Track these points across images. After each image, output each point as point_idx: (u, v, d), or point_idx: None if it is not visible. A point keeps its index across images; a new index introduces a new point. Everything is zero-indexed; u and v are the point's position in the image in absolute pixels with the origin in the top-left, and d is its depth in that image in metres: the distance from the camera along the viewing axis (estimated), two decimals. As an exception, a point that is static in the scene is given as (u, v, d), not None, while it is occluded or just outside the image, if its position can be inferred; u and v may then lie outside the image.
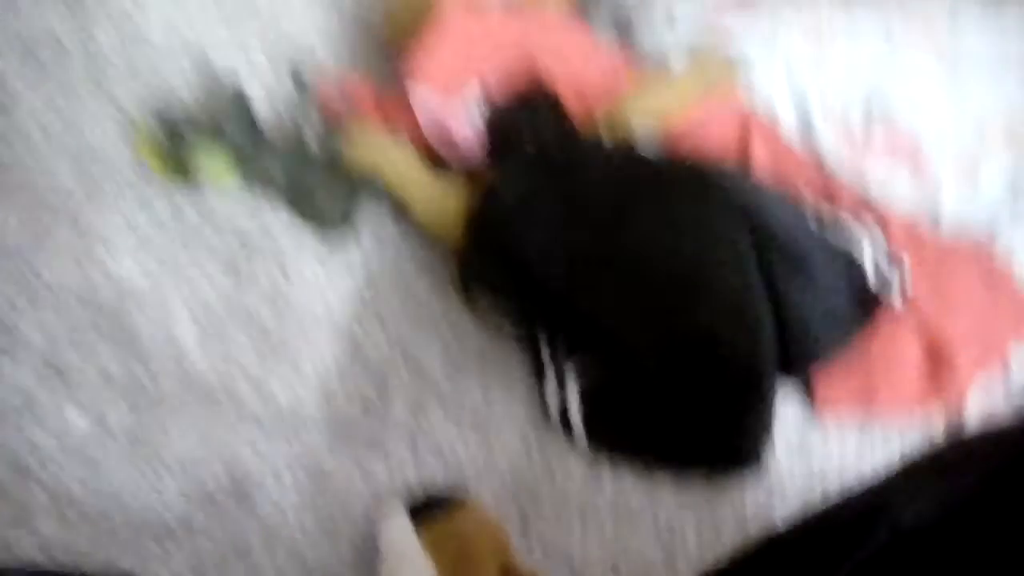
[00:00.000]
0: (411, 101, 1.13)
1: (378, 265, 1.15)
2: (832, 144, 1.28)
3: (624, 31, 1.38)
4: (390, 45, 1.29)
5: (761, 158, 1.20)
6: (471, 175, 1.16)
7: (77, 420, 0.98)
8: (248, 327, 1.07)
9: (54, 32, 1.21)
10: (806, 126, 1.30)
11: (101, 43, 1.22)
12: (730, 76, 1.28)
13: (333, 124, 1.18)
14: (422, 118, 1.14)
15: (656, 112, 1.19)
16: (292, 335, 1.08)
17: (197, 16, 1.29)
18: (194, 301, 1.08)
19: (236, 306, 1.09)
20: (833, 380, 1.08)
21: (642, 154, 1.07)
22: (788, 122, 1.30)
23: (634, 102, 1.18)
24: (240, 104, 1.15)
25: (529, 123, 1.15)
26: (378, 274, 1.15)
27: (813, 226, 1.04)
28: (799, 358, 1.04)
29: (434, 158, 1.18)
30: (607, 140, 1.11)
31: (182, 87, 1.21)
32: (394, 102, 1.19)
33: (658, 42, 1.36)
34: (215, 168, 1.11)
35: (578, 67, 1.19)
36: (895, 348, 1.06)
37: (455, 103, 1.13)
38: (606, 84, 1.21)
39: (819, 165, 1.22)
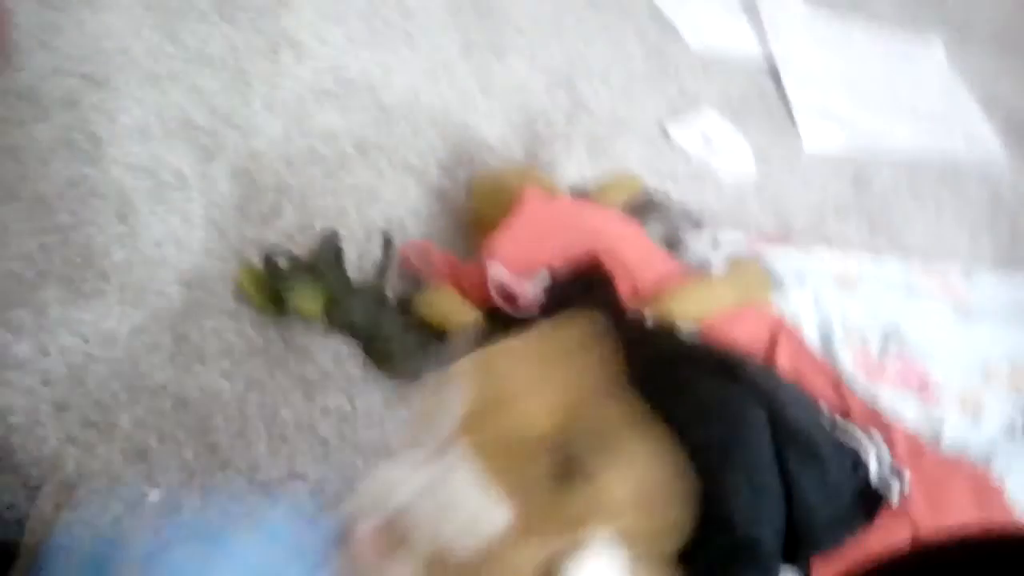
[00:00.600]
0: (487, 274, 1.30)
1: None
2: (849, 365, 1.42)
3: (673, 245, 1.57)
4: (473, 226, 1.48)
5: (784, 359, 1.33)
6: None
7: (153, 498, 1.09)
8: (312, 444, 1.19)
9: (179, 168, 1.41)
10: (827, 344, 1.44)
11: (221, 190, 1.42)
12: (765, 287, 1.44)
13: (412, 281, 1.34)
14: (492, 286, 1.30)
15: (696, 311, 1.34)
16: (354, 456, 1.20)
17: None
18: (269, 416, 1.20)
19: (304, 424, 1.21)
20: (828, 568, 1.15)
21: (680, 336, 1.20)
22: (811, 339, 1.44)
23: (678, 299, 1.33)
24: (334, 251, 1.33)
25: (582, 295, 1.30)
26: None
27: (826, 423, 1.15)
28: (803, 545, 1.08)
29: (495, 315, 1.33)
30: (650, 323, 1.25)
31: (287, 236, 1.40)
32: (468, 272, 1.36)
33: (702, 258, 1.54)
34: (306, 305, 1.27)
35: (632, 258, 1.36)
36: (888, 541, 1.13)
37: (524, 281, 1.30)
38: (655, 278, 1.37)
39: (836, 378, 1.35)
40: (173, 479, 1.11)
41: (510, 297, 1.31)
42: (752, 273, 1.44)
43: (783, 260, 1.55)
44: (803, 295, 1.51)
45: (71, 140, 1.39)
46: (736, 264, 1.46)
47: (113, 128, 1.43)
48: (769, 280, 1.45)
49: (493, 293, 1.31)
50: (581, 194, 1.53)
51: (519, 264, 1.32)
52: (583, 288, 1.33)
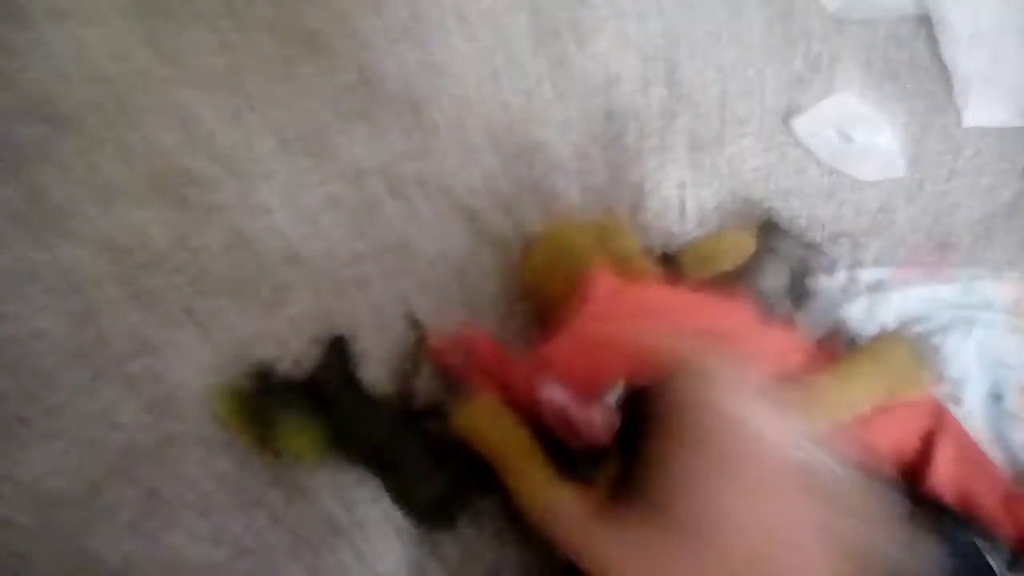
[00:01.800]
0: (539, 395, 0.96)
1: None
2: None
3: (799, 297, 1.19)
4: (529, 297, 1.13)
5: (944, 469, 1.01)
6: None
7: None
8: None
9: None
10: (999, 420, 1.13)
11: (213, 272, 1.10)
12: (918, 374, 1.07)
13: (445, 381, 1.04)
14: (546, 412, 0.97)
15: (828, 416, 0.98)
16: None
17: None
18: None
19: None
20: None
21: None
22: (976, 410, 1.14)
23: (813, 398, 0.99)
24: (341, 361, 1.01)
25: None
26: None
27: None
28: None
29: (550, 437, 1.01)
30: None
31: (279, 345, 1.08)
32: (520, 375, 1.02)
33: (835, 309, 1.19)
34: (298, 445, 0.96)
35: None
36: None
37: (589, 406, 0.96)
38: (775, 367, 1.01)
39: (1007, 490, 1.03)
40: None
41: (570, 425, 0.98)
42: (901, 357, 1.06)
43: (939, 302, 1.22)
44: (965, 348, 1.18)
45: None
46: (880, 345, 1.07)
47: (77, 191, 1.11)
48: (923, 364, 1.07)
49: (548, 420, 0.98)
50: (672, 263, 1.15)
51: (583, 376, 0.98)
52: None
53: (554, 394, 0.96)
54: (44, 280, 1.04)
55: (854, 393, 1.02)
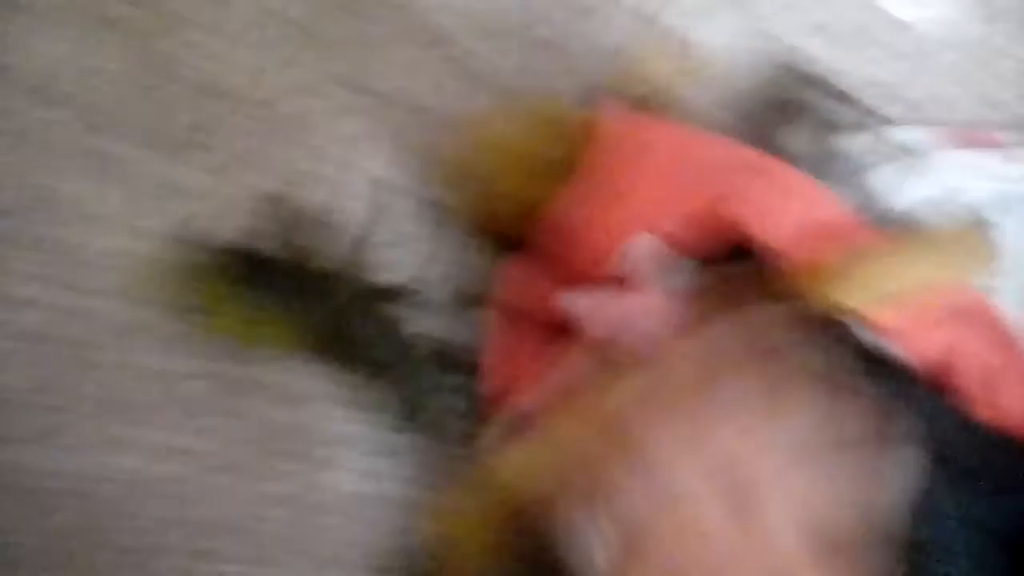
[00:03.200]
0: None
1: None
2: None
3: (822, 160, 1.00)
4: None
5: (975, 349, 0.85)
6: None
7: None
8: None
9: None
10: None
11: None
12: (981, 265, 0.90)
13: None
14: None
15: (876, 294, 0.81)
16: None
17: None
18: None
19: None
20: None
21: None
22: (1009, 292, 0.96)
23: (858, 270, 0.81)
24: (283, 217, 0.81)
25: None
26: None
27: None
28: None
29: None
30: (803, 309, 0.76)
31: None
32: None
33: (861, 173, 1.01)
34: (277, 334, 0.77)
35: (780, 211, 0.82)
36: None
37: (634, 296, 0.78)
38: (819, 238, 0.83)
39: None
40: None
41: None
42: (969, 245, 0.89)
43: (980, 171, 1.03)
44: (1006, 228, 1.00)
45: None
46: (946, 231, 0.91)
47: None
48: (990, 255, 0.90)
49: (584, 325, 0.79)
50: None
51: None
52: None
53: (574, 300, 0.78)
54: None
55: (912, 271, 0.84)
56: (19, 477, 0.75)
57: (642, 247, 0.82)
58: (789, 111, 1.01)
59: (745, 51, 1.06)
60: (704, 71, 0.97)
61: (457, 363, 0.85)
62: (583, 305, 0.81)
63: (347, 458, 0.84)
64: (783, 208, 0.83)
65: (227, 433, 0.83)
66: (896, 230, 0.90)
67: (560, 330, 0.83)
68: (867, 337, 0.76)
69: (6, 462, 0.75)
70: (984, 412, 0.82)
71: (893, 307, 0.83)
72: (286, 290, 0.81)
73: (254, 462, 0.82)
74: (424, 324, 0.86)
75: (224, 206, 0.86)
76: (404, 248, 0.88)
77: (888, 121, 1.08)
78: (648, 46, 0.97)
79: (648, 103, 0.88)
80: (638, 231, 0.81)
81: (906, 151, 1.06)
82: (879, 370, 0.75)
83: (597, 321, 0.80)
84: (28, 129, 0.82)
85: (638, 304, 0.80)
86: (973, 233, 0.91)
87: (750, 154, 0.87)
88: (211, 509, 0.80)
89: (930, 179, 1.04)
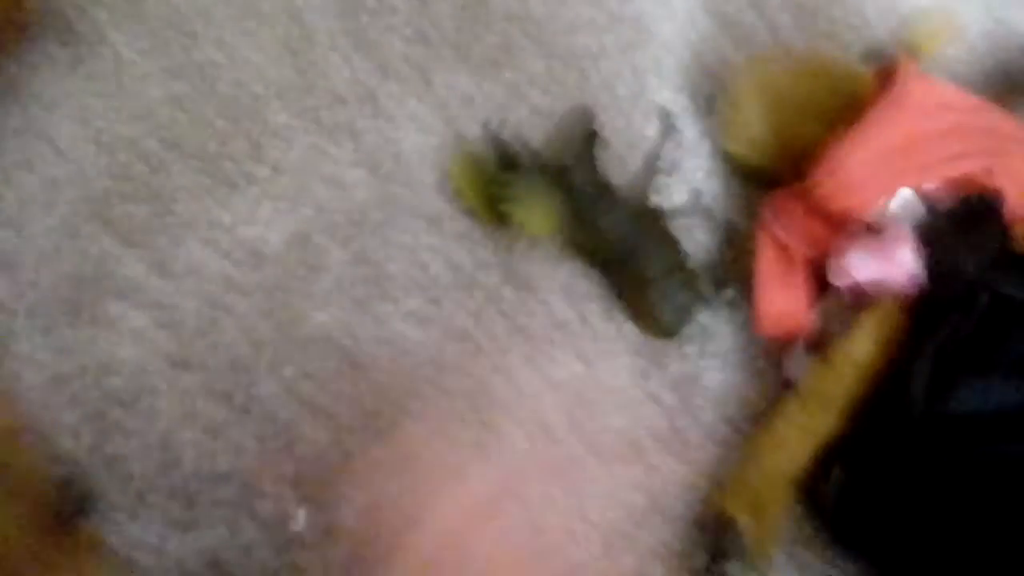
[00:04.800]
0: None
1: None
2: None
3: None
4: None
5: None
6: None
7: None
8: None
9: None
10: None
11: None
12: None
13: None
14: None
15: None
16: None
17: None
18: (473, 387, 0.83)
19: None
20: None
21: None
22: None
23: None
24: (586, 139, 0.88)
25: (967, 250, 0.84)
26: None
27: None
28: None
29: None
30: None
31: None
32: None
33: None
34: (535, 222, 0.85)
35: None
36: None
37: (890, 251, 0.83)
38: None
39: None
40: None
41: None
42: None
43: None
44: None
45: None
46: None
47: None
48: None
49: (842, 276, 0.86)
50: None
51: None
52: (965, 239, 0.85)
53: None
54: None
55: None
56: (336, 337, 0.83)
57: (904, 202, 0.86)
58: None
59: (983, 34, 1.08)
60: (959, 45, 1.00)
61: (726, 280, 0.90)
62: (851, 257, 0.86)
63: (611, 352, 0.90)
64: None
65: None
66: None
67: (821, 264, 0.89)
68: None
69: (326, 323, 0.83)
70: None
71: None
72: (573, 200, 0.88)
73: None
74: (699, 242, 0.91)
75: (518, 120, 0.93)
76: (683, 174, 0.94)
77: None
78: (918, 16, 1.01)
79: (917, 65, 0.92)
80: (905, 185, 0.86)
81: None
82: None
83: (860, 271, 0.85)
84: (364, 29, 0.90)
85: (897, 260, 0.84)
86: None
87: (1014, 126, 0.91)
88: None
89: None
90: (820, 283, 0.88)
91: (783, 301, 0.87)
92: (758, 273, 0.88)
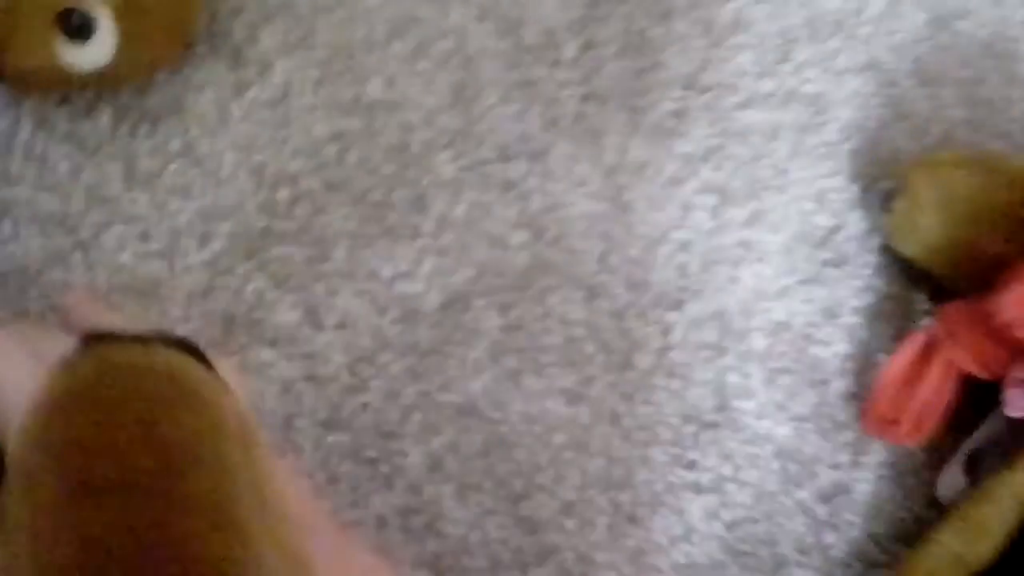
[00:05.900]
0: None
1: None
2: None
3: None
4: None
5: None
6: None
7: None
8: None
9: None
10: None
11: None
12: None
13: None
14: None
15: None
16: None
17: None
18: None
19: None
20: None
21: None
22: None
23: None
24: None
25: None
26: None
27: None
28: None
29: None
30: None
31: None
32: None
33: None
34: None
35: None
36: None
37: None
38: None
39: None
40: None
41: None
42: None
43: None
44: None
45: None
46: None
47: None
48: None
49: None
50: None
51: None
52: None
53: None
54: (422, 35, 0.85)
55: None
56: (482, 410, 0.78)
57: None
58: None
59: None
60: None
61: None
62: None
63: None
64: None
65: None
66: None
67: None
68: None
69: (476, 393, 0.78)
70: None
71: None
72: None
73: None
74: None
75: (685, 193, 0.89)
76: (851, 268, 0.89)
77: None
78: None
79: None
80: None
81: None
82: None
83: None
84: (537, 82, 0.86)
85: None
86: None
87: None
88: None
89: None
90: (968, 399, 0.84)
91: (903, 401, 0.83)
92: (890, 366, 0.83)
